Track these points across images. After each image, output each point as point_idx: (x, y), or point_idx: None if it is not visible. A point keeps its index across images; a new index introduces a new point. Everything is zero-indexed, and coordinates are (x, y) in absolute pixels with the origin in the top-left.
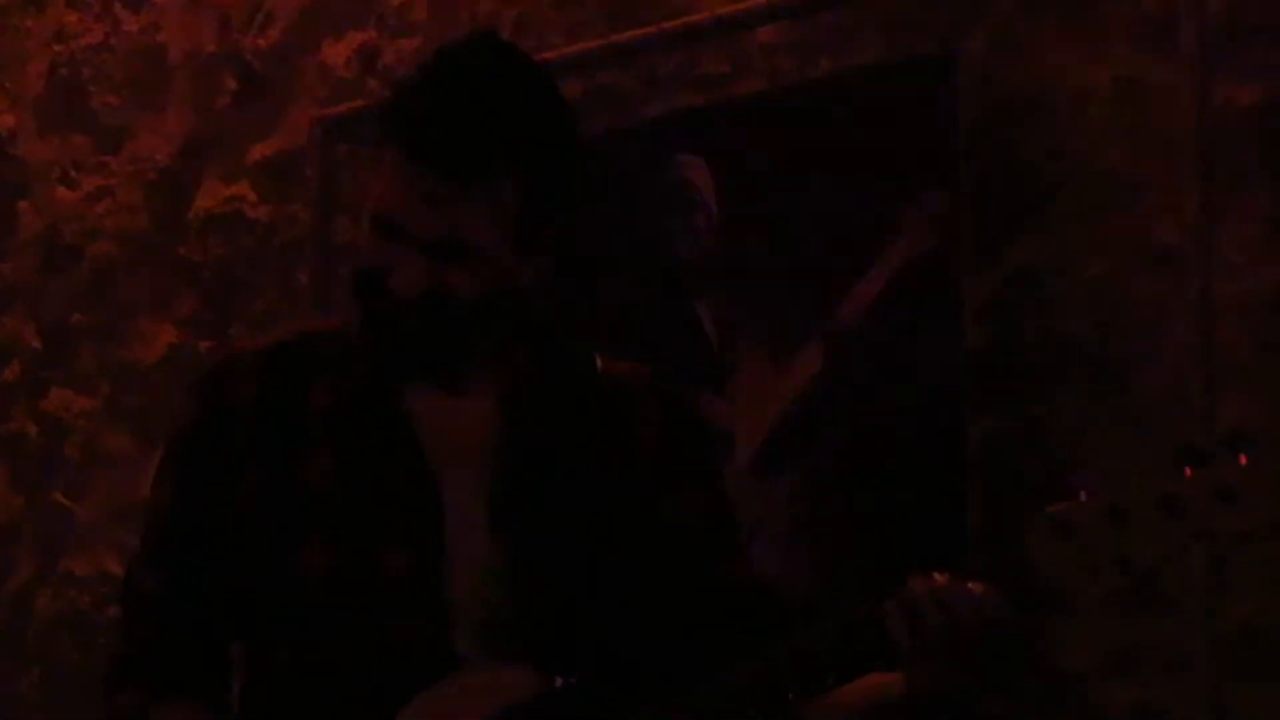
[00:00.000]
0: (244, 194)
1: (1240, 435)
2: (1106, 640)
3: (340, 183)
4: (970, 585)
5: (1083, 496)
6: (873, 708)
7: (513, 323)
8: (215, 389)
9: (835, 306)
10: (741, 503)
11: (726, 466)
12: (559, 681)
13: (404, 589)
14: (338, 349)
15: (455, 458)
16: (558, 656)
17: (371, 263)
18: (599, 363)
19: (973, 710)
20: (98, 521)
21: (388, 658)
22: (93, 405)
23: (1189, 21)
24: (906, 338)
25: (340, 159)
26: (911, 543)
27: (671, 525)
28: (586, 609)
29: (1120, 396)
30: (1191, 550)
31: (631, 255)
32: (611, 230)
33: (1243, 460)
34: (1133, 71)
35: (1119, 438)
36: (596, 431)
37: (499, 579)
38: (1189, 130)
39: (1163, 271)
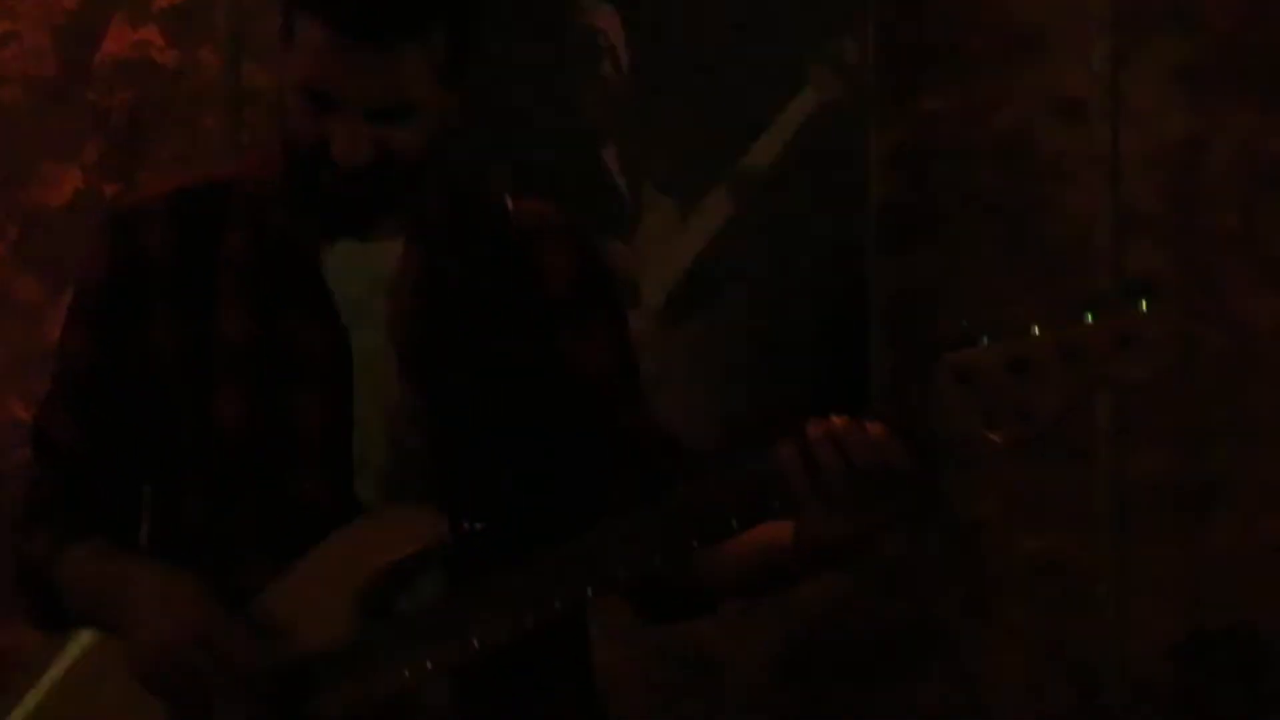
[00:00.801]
0: (152, 39)
1: (1141, 284)
2: (1011, 489)
3: (249, 28)
4: (869, 429)
5: (984, 344)
6: (765, 555)
7: (427, 164)
8: (123, 234)
9: (744, 153)
10: (647, 350)
11: (631, 313)
12: (464, 526)
13: (313, 438)
14: (250, 195)
15: (364, 303)
16: (464, 503)
17: (310, 136)
18: (509, 203)
19: (863, 558)
20: (4, 368)
21: (296, 507)
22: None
23: None
24: (815, 184)
25: (249, 3)
26: (816, 392)
27: (576, 369)
28: (492, 454)
29: (1027, 246)
30: (1096, 400)
31: (539, 103)
32: (519, 78)
33: (1143, 308)
34: None
35: (1025, 287)
36: (505, 273)
37: (408, 424)
38: None
39: (1071, 121)
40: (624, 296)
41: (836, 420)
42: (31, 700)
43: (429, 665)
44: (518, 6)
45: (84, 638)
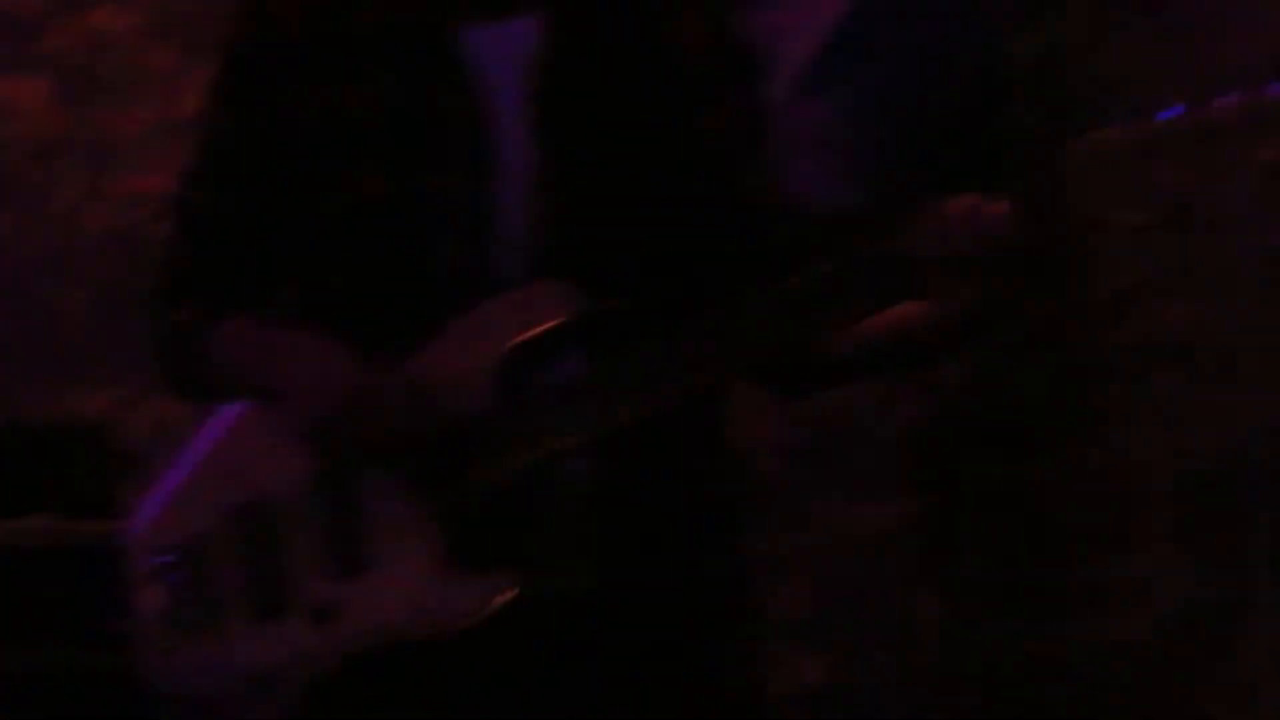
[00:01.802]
0: None
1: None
2: (1153, 261)
3: None
4: (1001, 207)
5: (1119, 123)
6: (901, 334)
7: None
8: (264, 7)
9: None
10: (781, 122)
11: (767, 83)
12: (602, 302)
13: (455, 210)
14: None
15: (504, 79)
16: (602, 278)
17: None
18: None
19: (999, 331)
20: (144, 138)
21: (437, 280)
22: (138, 21)
23: None
24: None
25: None
26: (952, 166)
27: (710, 139)
28: (630, 228)
29: (1168, 22)
30: (1235, 178)
31: None
32: None
33: None
34: None
35: (1164, 64)
36: (641, 45)
37: (546, 198)
38: None
39: None
40: (760, 66)
41: (968, 198)
42: (183, 470)
43: (566, 441)
44: None
45: (232, 408)
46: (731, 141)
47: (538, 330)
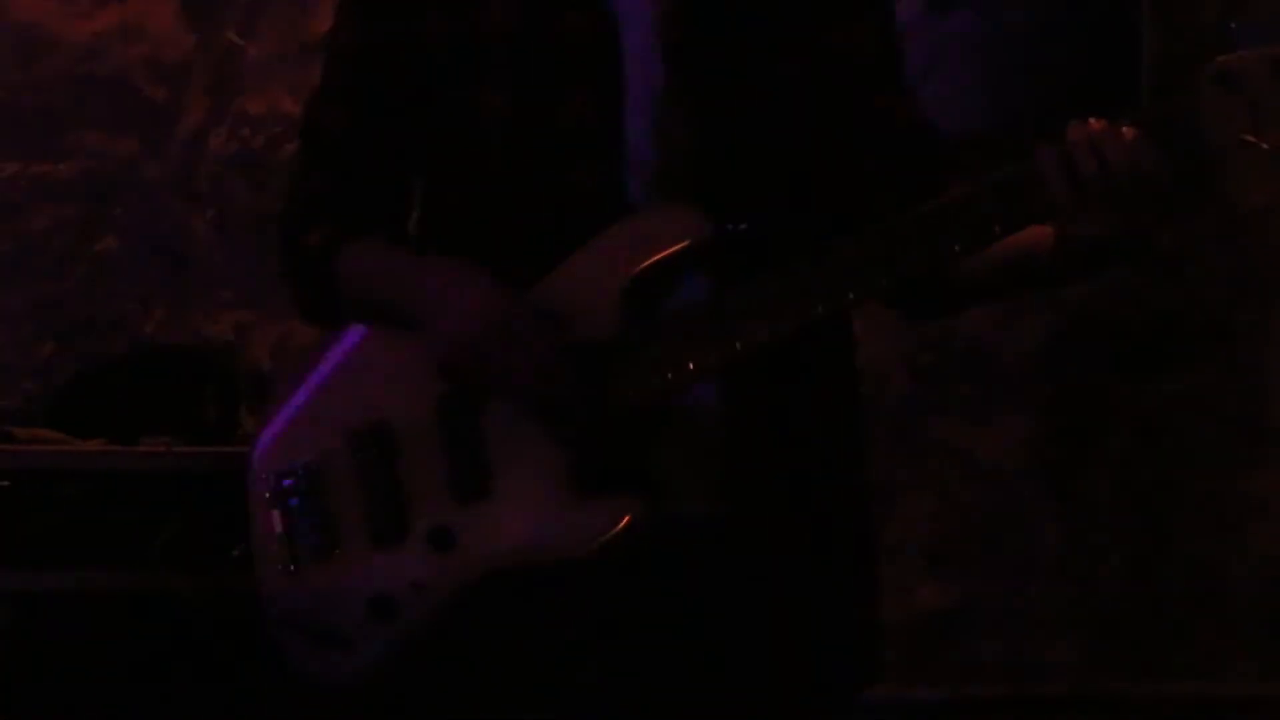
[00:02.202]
0: None
1: None
2: None
3: None
4: (1128, 132)
5: (1251, 47)
6: (1026, 258)
7: None
8: None
9: None
10: (915, 41)
11: (900, 2)
12: (729, 225)
13: (582, 130)
14: None
15: (634, 2)
16: (730, 201)
17: None
18: None
19: (1132, 256)
20: (271, 60)
21: (564, 200)
22: None
23: None
24: None
25: None
26: (1085, 85)
27: (841, 57)
28: (758, 149)
29: None
30: None
31: None
32: None
33: None
34: None
35: None
36: None
37: (674, 119)
38: None
39: None
40: None
41: (1095, 123)
42: (306, 393)
43: (691, 366)
44: None
45: (358, 330)
46: (864, 60)
47: (665, 254)
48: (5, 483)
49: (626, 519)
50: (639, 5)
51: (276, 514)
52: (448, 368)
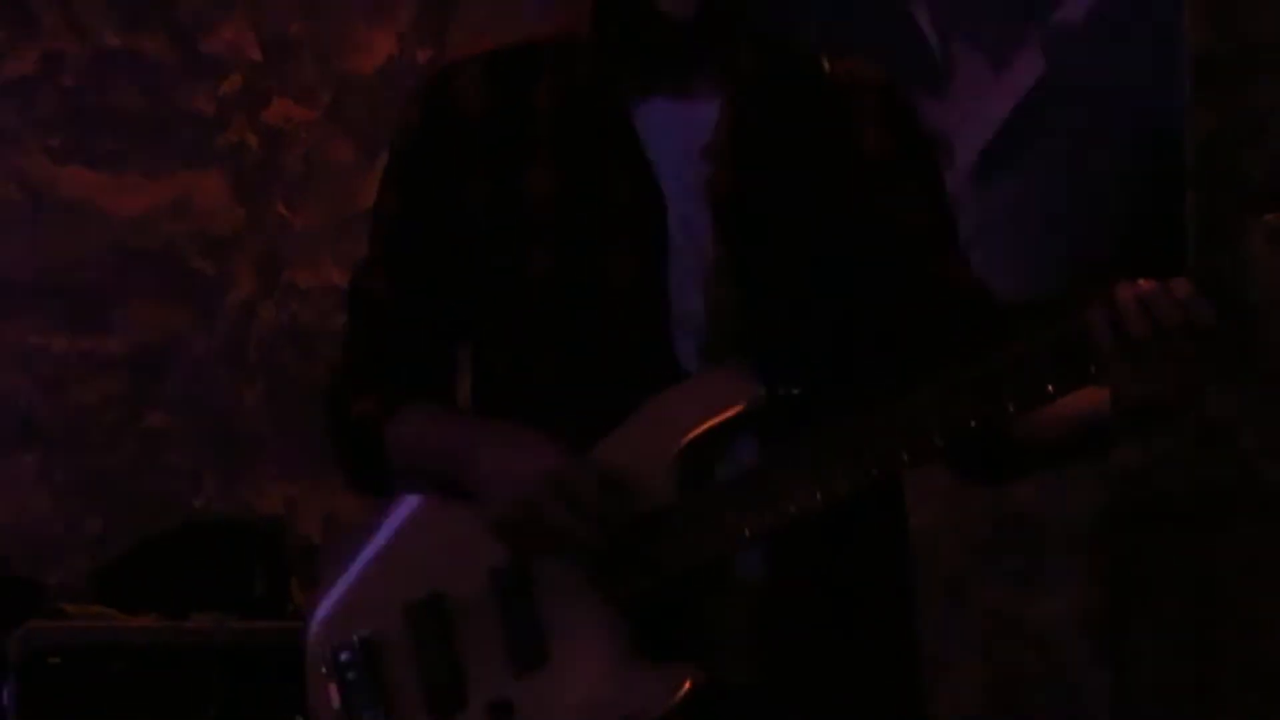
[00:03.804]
0: None
1: None
2: None
3: None
4: (1178, 290)
5: None
6: (1080, 419)
7: (740, 19)
8: (439, 95)
9: (1055, 8)
10: (961, 208)
11: (946, 171)
12: (780, 390)
13: (628, 292)
14: (562, 54)
15: (679, 161)
16: (780, 365)
17: None
18: (826, 64)
19: (1182, 416)
20: (319, 233)
21: (611, 364)
22: (313, 116)
23: None
24: (1127, 37)
25: None
26: (1131, 248)
27: (892, 224)
28: (808, 314)
29: None
30: None
31: None
32: None
33: None
34: None
35: None
36: (820, 131)
37: (723, 282)
38: None
39: None
40: (940, 153)
41: (1145, 283)
42: (360, 565)
43: (746, 532)
44: None
45: (410, 501)
46: (916, 226)
47: (720, 420)
48: (56, 659)
49: (687, 684)
50: (686, 166)
51: (334, 687)
52: (505, 529)
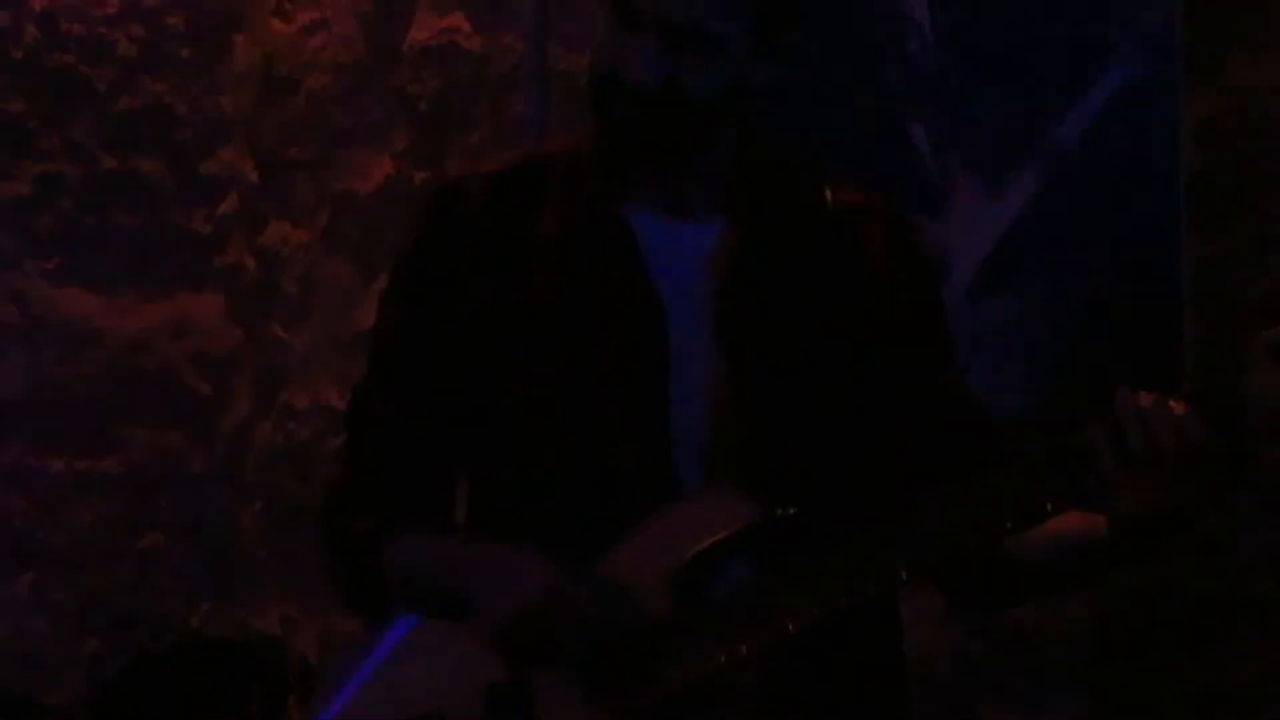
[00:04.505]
0: (458, 25)
1: None
2: None
3: (553, 11)
4: (1177, 407)
5: None
6: (1079, 541)
7: (741, 139)
8: (441, 211)
9: (1051, 129)
10: (957, 327)
11: (945, 290)
12: (778, 510)
13: (629, 410)
14: (565, 171)
15: (682, 281)
16: (779, 484)
17: (609, 58)
18: (828, 191)
19: (1181, 535)
20: (317, 353)
21: (610, 479)
22: (310, 237)
23: None
24: (1123, 160)
25: None
26: (1128, 368)
27: (892, 347)
28: (808, 435)
29: None
30: None
31: (845, 77)
32: (826, 56)
33: None
34: None
35: None
36: (822, 254)
37: (723, 400)
38: None
39: None
40: (940, 276)
41: (1144, 397)
42: (357, 686)
43: (743, 649)
44: None
45: (407, 621)
46: (916, 345)
47: (716, 540)
48: None
49: None
50: (689, 284)
51: None
52: (504, 642)
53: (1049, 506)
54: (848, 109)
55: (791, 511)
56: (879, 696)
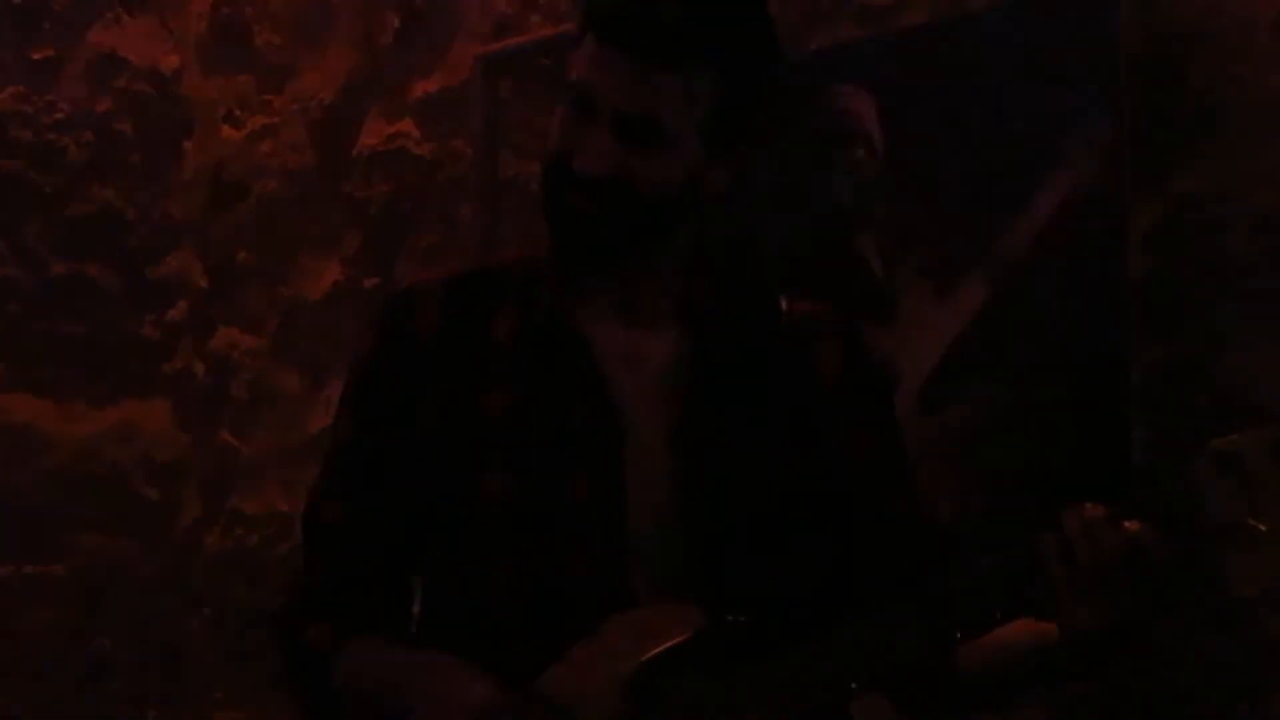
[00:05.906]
0: (408, 131)
1: None
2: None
3: (503, 119)
4: (1121, 519)
5: (1247, 430)
6: (1028, 651)
7: (695, 244)
8: (396, 319)
9: (999, 237)
10: (908, 431)
11: (896, 402)
12: (727, 619)
13: (584, 518)
14: (520, 279)
15: (636, 390)
16: (727, 594)
17: (560, 145)
18: (784, 303)
19: (1131, 646)
20: (265, 460)
21: (563, 589)
22: (259, 343)
23: None
24: (1071, 268)
25: (503, 95)
26: (1076, 476)
27: (845, 462)
28: (758, 545)
29: None
30: None
31: (793, 188)
32: (772, 161)
33: None
34: None
35: None
36: (776, 370)
37: (675, 511)
38: None
39: None
40: (891, 388)
41: (1092, 509)
42: None
43: None
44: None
45: None
46: (868, 463)
47: (664, 648)
48: None
49: None
50: (643, 400)
51: None
52: None
53: (998, 615)
54: (797, 217)
55: (741, 619)
56: None
